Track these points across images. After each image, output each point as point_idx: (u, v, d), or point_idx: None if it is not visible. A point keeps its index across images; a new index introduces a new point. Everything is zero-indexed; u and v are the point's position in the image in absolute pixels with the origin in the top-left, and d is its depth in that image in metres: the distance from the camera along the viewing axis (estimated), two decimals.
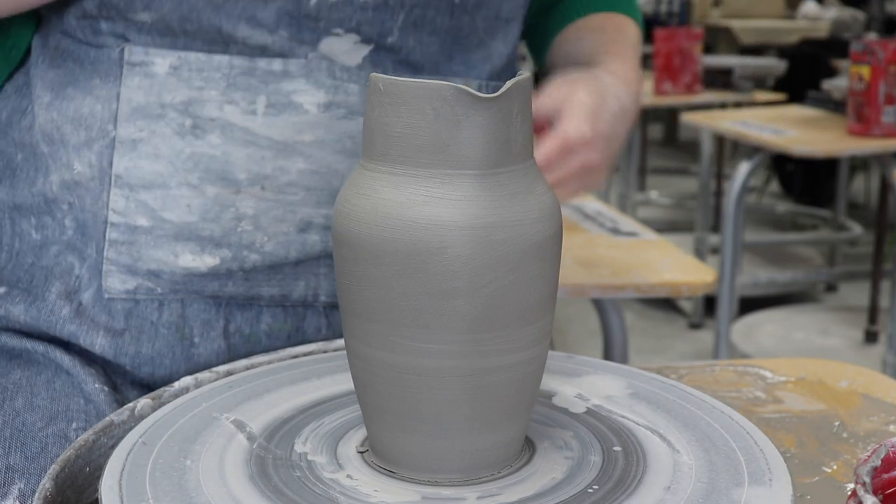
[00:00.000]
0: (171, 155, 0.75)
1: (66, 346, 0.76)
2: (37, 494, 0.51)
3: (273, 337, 0.80)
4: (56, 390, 0.73)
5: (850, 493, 0.49)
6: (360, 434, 0.59)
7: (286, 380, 0.66)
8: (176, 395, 0.65)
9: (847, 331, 3.06)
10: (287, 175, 0.76)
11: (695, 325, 3.33)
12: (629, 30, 0.94)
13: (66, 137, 0.77)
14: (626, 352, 1.50)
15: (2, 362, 0.75)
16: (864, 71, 2.36)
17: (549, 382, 0.65)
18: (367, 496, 0.52)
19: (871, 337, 3.00)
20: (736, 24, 5.52)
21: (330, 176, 0.77)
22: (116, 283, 0.76)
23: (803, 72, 4.11)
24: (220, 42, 0.75)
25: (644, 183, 4.87)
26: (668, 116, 6.18)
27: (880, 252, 3.03)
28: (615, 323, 1.48)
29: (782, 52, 4.73)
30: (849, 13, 5.43)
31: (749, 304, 3.24)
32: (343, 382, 0.65)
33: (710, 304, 3.12)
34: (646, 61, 4.36)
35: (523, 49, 1.05)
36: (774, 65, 3.83)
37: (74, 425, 0.72)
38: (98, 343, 0.76)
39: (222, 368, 0.68)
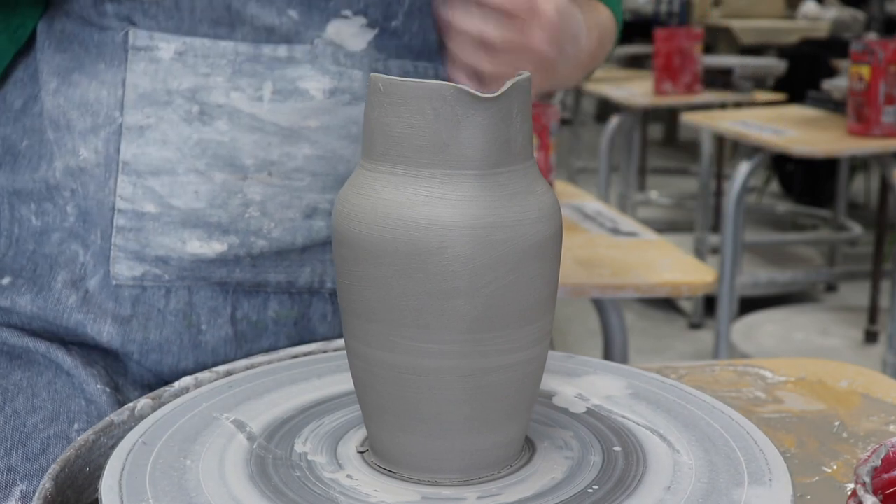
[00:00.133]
0: (178, 141, 0.75)
1: (68, 346, 0.76)
2: (37, 494, 0.51)
3: (280, 324, 0.80)
4: (57, 391, 0.73)
5: (850, 493, 0.49)
6: (360, 434, 0.59)
7: (286, 380, 0.66)
8: (176, 395, 0.65)
9: (847, 331, 3.07)
10: (293, 161, 0.77)
11: (695, 325, 3.33)
12: (603, 14, 0.94)
13: (72, 123, 0.77)
14: (626, 352, 1.50)
15: (2, 363, 0.75)
16: (864, 71, 2.36)
17: (549, 382, 0.65)
18: (367, 496, 0.52)
19: (871, 337, 3.00)
20: (736, 24, 5.52)
21: (335, 161, 0.78)
22: (124, 269, 0.76)
23: (803, 72, 4.11)
24: (226, 24, 0.75)
25: (644, 183, 4.88)
26: (668, 116, 6.18)
27: (880, 252, 3.03)
28: (615, 323, 1.49)
29: (782, 52, 4.73)
30: (849, 13, 5.43)
31: (749, 304, 3.24)
32: (343, 382, 0.65)
33: (710, 304, 3.12)
34: (646, 61, 4.38)
35: None
36: (774, 65, 3.83)
37: (76, 426, 0.72)
38: (106, 331, 0.76)
39: (222, 368, 0.68)
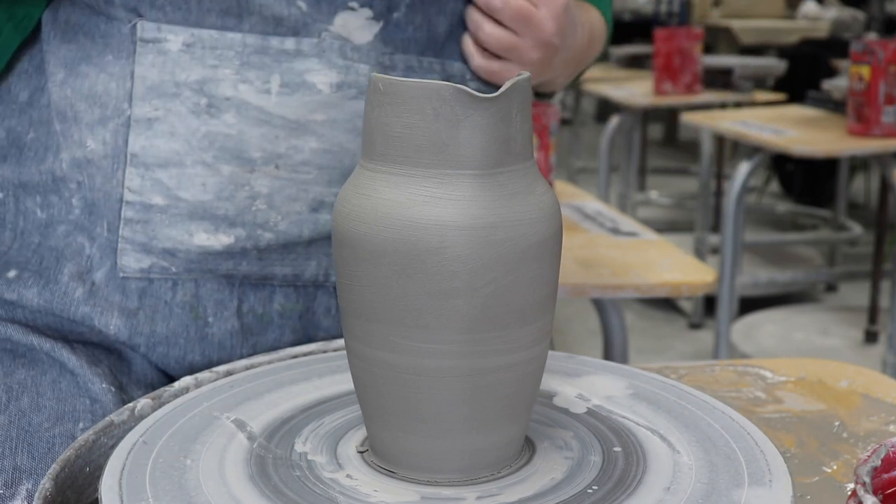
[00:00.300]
0: (186, 134, 0.76)
1: (73, 345, 0.77)
2: (37, 494, 0.51)
3: (285, 317, 0.80)
4: (62, 390, 0.74)
5: (850, 493, 0.49)
6: (359, 434, 0.59)
7: (286, 379, 0.66)
8: (176, 395, 0.65)
9: (847, 331, 3.06)
10: (300, 154, 0.77)
11: (695, 325, 3.33)
12: (594, 15, 0.95)
13: (79, 115, 0.77)
14: (626, 352, 1.50)
15: (7, 361, 0.75)
16: (864, 71, 2.36)
17: (549, 382, 0.65)
18: (367, 496, 0.52)
19: (871, 337, 3.00)
20: (736, 24, 5.52)
21: (342, 155, 0.78)
22: (131, 261, 0.76)
23: (803, 72, 4.11)
24: (234, 14, 0.75)
25: (644, 183, 4.88)
26: (668, 116, 6.18)
27: (880, 252, 3.03)
28: (615, 323, 1.49)
29: (782, 52, 4.73)
30: (849, 13, 5.43)
31: (749, 304, 3.24)
32: (343, 382, 0.65)
33: (710, 304, 3.12)
34: (646, 61, 4.38)
35: None
36: (774, 65, 3.83)
37: (81, 425, 0.72)
38: (112, 323, 0.77)
39: (222, 368, 0.68)
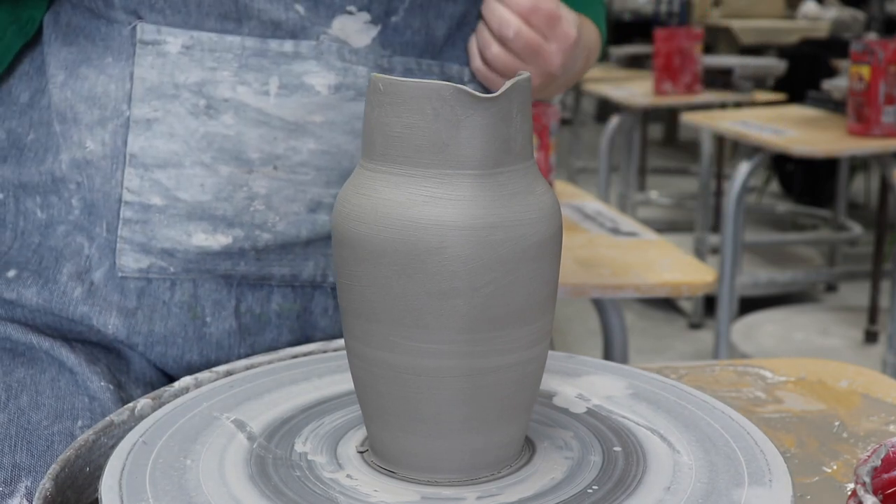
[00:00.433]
0: (185, 134, 0.76)
1: (71, 344, 0.77)
2: (37, 494, 0.51)
3: (283, 317, 0.81)
4: (61, 388, 0.74)
5: (850, 493, 0.49)
6: (360, 434, 0.59)
7: (286, 380, 0.66)
8: (176, 395, 0.65)
9: (847, 331, 3.06)
10: (298, 155, 0.77)
11: (695, 325, 3.33)
12: (591, 31, 0.95)
13: (79, 116, 0.78)
14: (626, 352, 1.50)
15: (6, 360, 0.75)
16: (864, 71, 2.36)
17: (549, 382, 0.65)
18: (367, 496, 0.52)
19: (871, 337, 3.00)
20: (736, 24, 5.52)
21: (340, 156, 0.78)
22: (130, 261, 0.77)
23: (803, 72, 4.11)
24: (233, 18, 0.76)
25: (644, 183, 4.88)
26: (668, 116, 6.18)
27: (880, 252, 3.03)
28: (615, 323, 1.49)
29: (782, 52, 4.72)
30: (849, 13, 5.43)
31: (749, 304, 3.24)
32: (343, 382, 0.65)
33: (710, 304, 3.12)
34: (646, 61, 4.38)
35: None
36: (774, 65, 3.83)
37: (80, 423, 0.73)
38: (111, 323, 0.77)
39: (222, 368, 0.68)
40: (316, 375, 0.67)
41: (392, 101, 0.52)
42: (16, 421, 0.71)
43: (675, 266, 1.41)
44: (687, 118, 2.99)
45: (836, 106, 2.76)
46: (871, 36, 4.51)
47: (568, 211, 1.73)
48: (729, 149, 4.43)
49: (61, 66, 0.79)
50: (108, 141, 0.77)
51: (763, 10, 6.01)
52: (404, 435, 0.54)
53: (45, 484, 0.52)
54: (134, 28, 0.76)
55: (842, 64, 3.53)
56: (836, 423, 0.73)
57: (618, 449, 0.57)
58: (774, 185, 4.84)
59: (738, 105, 3.53)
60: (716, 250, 3.47)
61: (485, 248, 0.51)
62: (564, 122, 5.45)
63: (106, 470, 0.53)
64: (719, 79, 3.53)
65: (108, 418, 0.60)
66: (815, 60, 4.19)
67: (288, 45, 0.77)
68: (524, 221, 0.52)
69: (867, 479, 0.48)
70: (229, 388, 0.64)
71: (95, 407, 0.74)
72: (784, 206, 4.38)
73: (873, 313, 3.03)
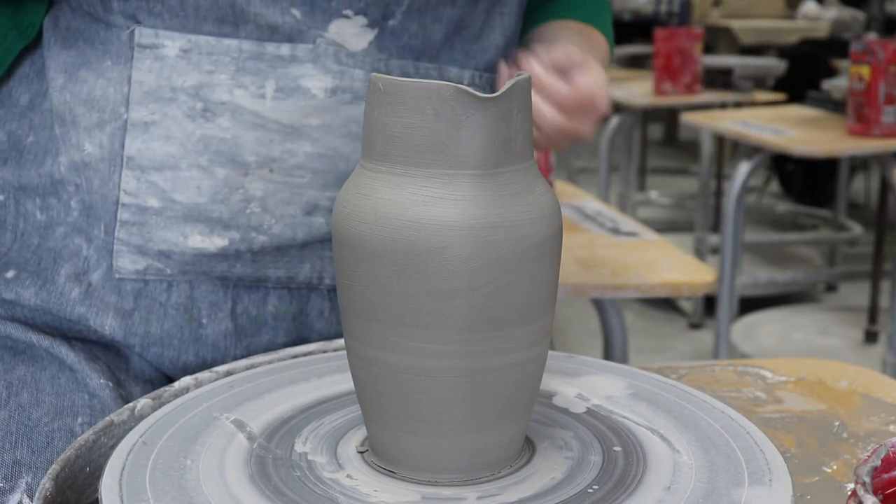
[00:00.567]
0: (182, 137, 0.76)
1: (71, 342, 0.77)
2: (37, 494, 0.52)
3: (279, 319, 0.81)
4: (61, 386, 0.75)
5: (850, 493, 0.49)
6: (360, 434, 0.59)
7: (286, 380, 0.66)
8: (176, 395, 0.65)
9: (847, 331, 3.06)
10: (295, 158, 0.77)
11: (695, 325, 3.33)
12: (602, 45, 0.95)
13: (77, 119, 0.78)
14: (626, 352, 1.50)
15: (6, 358, 0.76)
16: (864, 71, 2.36)
17: (549, 382, 0.65)
18: (367, 496, 0.52)
19: (871, 337, 3.00)
20: (736, 24, 5.52)
21: (336, 159, 0.79)
22: (127, 263, 0.77)
23: (803, 72, 4.11)
24: (230, 22, 0.76)
25: (644, 183, 4.87)
26: (668, 116, 6.18)
27: (880, 252, 3.02)
28: (615, 323, 1.48)
29: (782, 52, 4.72)
30: (849, 13, 5.43)
31: (749, 304, 3.24)
32: (343, 382, 0.65)
33: (710, 304, 3.12)
34: (646, 61, 4.38)
35: None
36: (774, 65, 3.83)
37: (80, 420, 0.73)
38: (108, 324, 0.77)
39: (222, 368, 0.68)
40: (316, 375, 0.67)
41: (392, 101, 0.52)
42: (16, 418, 0.72)
43: (675, 266, 1.41)
44: (687, 118, 2.98)
45: (836, 106, 2.76)
46: (871, 36, 4.51)
47: (568, 211, 1.73)
48: (729, 149, 4.43)
49: (61, 70, 0.79)
50: (105, 144, 0.77)
51: (763, 10, 6.01)
52: (404, 435, 0.54)
53: (46, 484, 0.52)
54: (132, 32, 0.77)
55: (842, 64, 3.53)
56: (836, 423, 0.73)
57: (618, 449, 0.57)
58: (774, 185, 4.84)
59: (738, 105, 3.53)
60: (716, 250, 3.47)
61: (485, 248, 0.51)
62: None
63: (106, 470, 0.53)
64: (719, 79, 3.53)
65: (108, 418, 0.60)
66: (815, 60, 4.19)
67: (285, 49, 0.77)
68: (524, 221, 0.52)
69: (867, 479, 0.48)
70: (229, 388, 0.64)
71: (95, 404, 0.74)
72: (784, 206, 4.38)
73: (873, 313, 3.03)
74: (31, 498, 0.69)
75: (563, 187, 1.97)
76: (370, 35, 0.79)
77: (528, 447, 0.58)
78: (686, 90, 3.42)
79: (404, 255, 0.51)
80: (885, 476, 0.50)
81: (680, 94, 3.43)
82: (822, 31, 5.34)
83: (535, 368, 0.55)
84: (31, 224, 0.79)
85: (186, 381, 0.66)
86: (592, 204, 1.81)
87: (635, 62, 4.66)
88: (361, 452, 0.57)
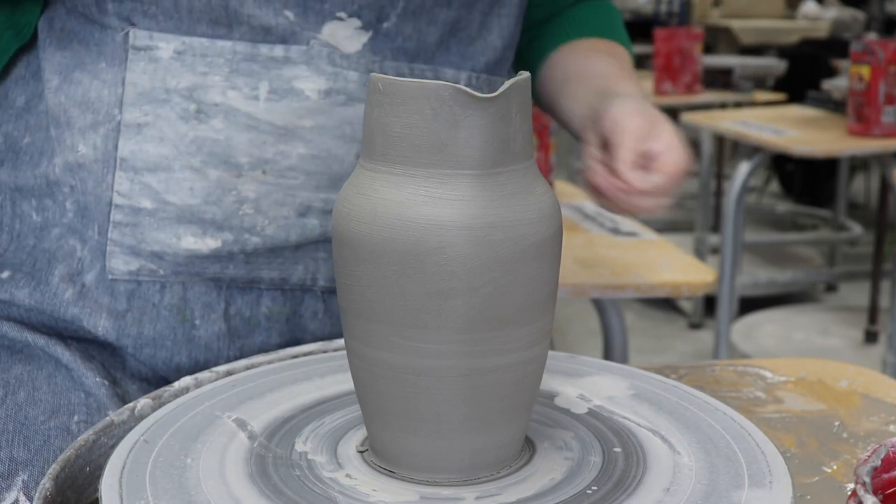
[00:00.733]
0: (175, 139, 0.76)
1: (67, 341, 0.77)
2: (37, 494, 0.52)
3: (272, 320, 0.81)
4: (57, 384, 0.75)
5: (850, 493, 0.49)
6: (360, 434, 0.59)
7: (287, 379, 0.66)
8: (176, 395, 0.65)
9: (847, 331, 3.06)
10: (288, 159, 0.77)
11: (695, 325, 3.33)
12: (628, 61, 0.95)
13: (72, 120, 0.78)
14: (626, 352, 1.50)
15: (3, 357, 0.76)
16: (864, 71, 2.36)
17: (550, 383, 0.65)
18: (366, 496, 0.52)
19: (871, 337, 3.00)
20: (736, 24, 5.52)
21: (329, 161, 0.78)
22: (120, 264, 0.77)
23: (803, 72, 4.10)
24: (224, 24, 0.76)
25: None
26: (669, 116, 6.17)
27: (880, 252, 3.02)
28: (615, 323, 1.49)
29: (782, 52, 4.72)
30: (849, 13, 5.43)
31: (749, 304, 3.24)
32: (343, 382, 0.65)
33: (710, 304, 3.12)
34: (646, 61, 4.37)
35: None
36: (774, 65, 3.83)
37: (76, 418, 0.73)
38: (101, 325, 0.77)
39: (222, 368, 0.68)
40: (316, 375, 0.67)
41: (391, 101, 0.52)
42: (13, 416, 0.72)
43: (675, 266, 1.41)
44: (687, 118, 2.99)
45: (836, 106, 2.76)
46: (871, 36, 4.51)
47: (568, 211, 1.73)
48: (729, 149, 4.43)
49: (56, 71, 0.79)
50: (99, 145, 0.77)
51: (763, 10, 6.01)
52: (404, 435, 0.54)
53: (46, 484, 0.52)
54: (127, 34, 0.77)
55: (842, 64, 3.53)
56: (836, 423, 0.73)
57: (618, 450, 0.57)
58: (774, 185, 4.84)
59: (738, 105, 3.53)
60: (716, 250, 3.47)
61: (484, 248, 0.51)
62: None
63: (106, 469, 0.53)
64: (719, 79, 3.53)
65: (108, 418, 0.60)
66: (815, 60, 4.18)
67: (278, 50, 0.77)
68: (524, 221, 0.52)
69: (867, 479, 0.48)
70: (231, 388, 0.64)
71: (91, 402, 0.74)
72: (784, 206, 4.37)
73: (873, 313, 3.03)
74: (27, 496, 0.69)
75: (563, 187, 1.97)
76: (364, 37, 0.78)
77: (529, 447, 0.58)
78: (686, 90, 3.42)
79: (403, 254, 0.51)
80: (885, 476, 0.50)
81: (680, 94, 3.43)
82: (822, 31, 5.34)
83: (534, 369, 0.55)
84: (27, 225, 0.79)
85: (186, 380, 0.66)
86: (592, 204, 1.81)
87: (635, 62, 4.65)
88: (361, 452, 0.57)
